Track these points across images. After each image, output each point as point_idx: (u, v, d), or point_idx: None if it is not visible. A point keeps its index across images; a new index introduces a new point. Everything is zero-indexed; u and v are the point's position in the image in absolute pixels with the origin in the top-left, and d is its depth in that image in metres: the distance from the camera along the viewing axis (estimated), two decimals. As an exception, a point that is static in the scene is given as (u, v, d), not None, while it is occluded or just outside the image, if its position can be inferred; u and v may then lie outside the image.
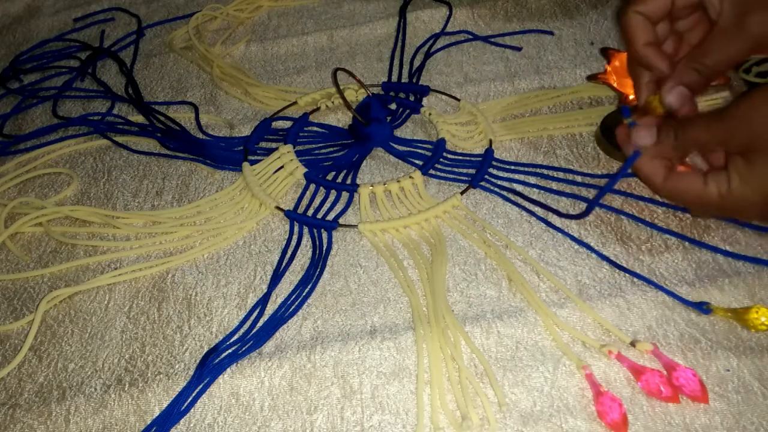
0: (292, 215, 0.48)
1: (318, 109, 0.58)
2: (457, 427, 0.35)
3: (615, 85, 0.53)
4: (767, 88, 0.36)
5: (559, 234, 0.45)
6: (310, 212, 0.49)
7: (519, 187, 0.48)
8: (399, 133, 0.55)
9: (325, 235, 0.47)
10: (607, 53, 0.56)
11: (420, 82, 0.59)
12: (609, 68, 0.55)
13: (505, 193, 0.48)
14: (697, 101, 0.42)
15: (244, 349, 0.41)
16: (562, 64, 0.58)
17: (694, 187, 0.39)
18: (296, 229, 0.48)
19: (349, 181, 0.51)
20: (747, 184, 0.37)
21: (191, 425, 0.38)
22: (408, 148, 0.53)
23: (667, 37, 0.44)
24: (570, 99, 0.55)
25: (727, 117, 0.37)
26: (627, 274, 0.41)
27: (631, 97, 0.51)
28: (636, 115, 0.45)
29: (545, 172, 0.49)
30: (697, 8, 0.43)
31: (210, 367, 0.40)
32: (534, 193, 0.48)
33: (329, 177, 0.52)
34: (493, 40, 0.62)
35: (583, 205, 0.46)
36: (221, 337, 0.42)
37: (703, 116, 0.39)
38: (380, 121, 0.53)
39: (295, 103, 0.58)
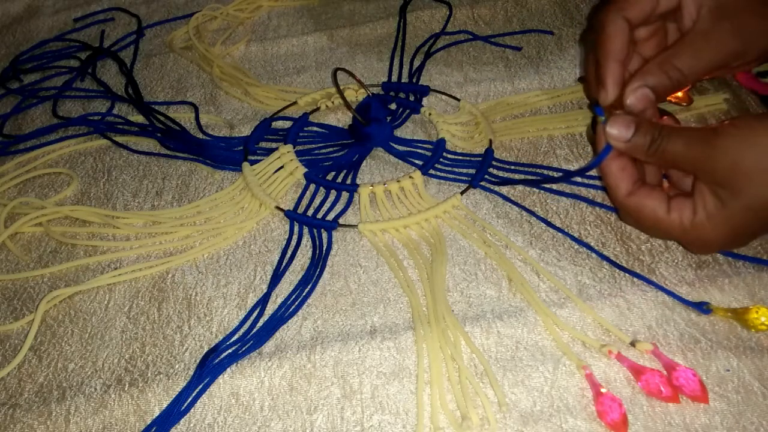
0: (292, 215, 0.48)
1: (318, 109, 0.58)
2: (457, 427, 0.35)
3: None
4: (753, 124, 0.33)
5: (559, 234, 0.45)
6: (310, 212, 0.49)
7: (519, 187, 0.48)
8: (399, 133, 0.55)
9: (325, 235, 0.47)
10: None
11: (420, 82, 0.59)
12: None
13: (505, 192, 0.48)
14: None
15: (244, 349, 0.40)
16: (562, 64, 0.58)
17: (656, 212, 0.37)
18: (296, 229, 0.48)
19: (349, 181, 0.51)
20: (711, 223, 0.35)
21: (191, 425, 0.38)
22: (408, 148, 0.53)
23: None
24: (570, 99, 0.55)
25: (711, 144, 0.34)
26: (627, 274, 0.41)
27: None
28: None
29: (545, 172, 0.49)
30: (664, 17, 0.41)
31: (210, 367, 0.40)
32: (534, 193, 0.48)
33: (329, 177, 0.52)
34: (493, 40, 0.62)
35: (584, 205, 0.46)
36: (221, 337, 0.42)
37: (686, 131, 0.36)
38: (380, 121, 0.53)
39: (295, 103, 0.58)
